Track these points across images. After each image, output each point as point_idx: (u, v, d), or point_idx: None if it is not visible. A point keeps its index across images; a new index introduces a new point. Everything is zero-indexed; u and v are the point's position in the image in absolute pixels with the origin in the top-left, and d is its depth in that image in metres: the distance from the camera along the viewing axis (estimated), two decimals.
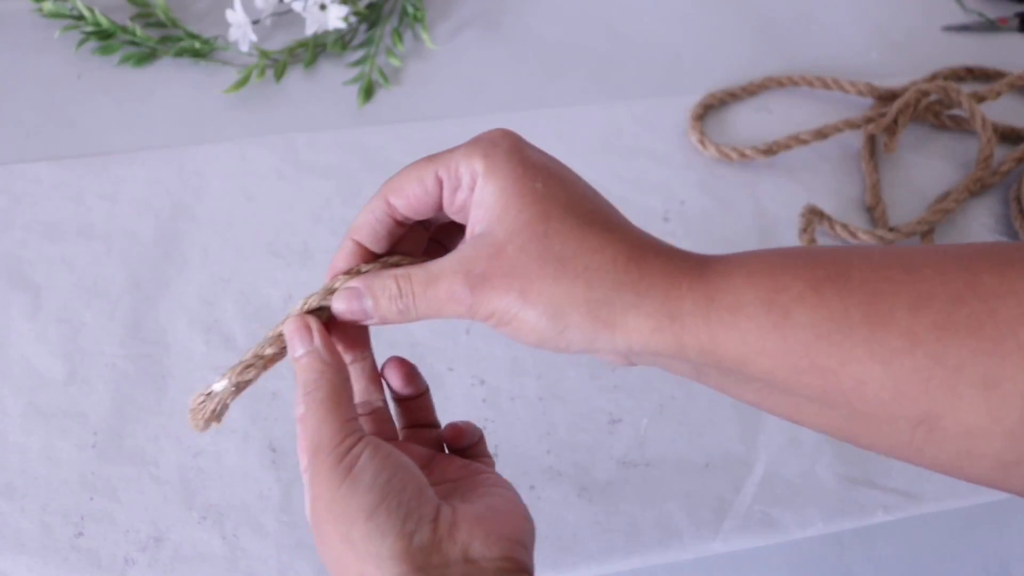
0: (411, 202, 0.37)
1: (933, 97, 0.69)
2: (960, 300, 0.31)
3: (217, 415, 0.38)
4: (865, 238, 0.62)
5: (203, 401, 0.38)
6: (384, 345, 0.43)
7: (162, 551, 0.50)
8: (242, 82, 0.70)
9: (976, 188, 0.66)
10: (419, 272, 0.36)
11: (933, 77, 0.73)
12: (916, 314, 0.31)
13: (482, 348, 0.58)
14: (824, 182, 0.67)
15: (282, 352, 0.39)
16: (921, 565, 0.51)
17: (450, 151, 0.37)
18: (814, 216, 0.62)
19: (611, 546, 0.51)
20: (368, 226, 0.38)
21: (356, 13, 0.75)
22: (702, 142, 0.68)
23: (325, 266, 0.61)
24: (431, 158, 0.37)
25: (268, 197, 0.64)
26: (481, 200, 0.35)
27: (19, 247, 0.61)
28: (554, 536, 0.51)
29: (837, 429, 0.35)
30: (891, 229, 0.63)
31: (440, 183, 0.36)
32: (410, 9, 0.76)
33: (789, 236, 0.63)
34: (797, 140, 0.67)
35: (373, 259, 0.39)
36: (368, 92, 0.71)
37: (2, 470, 0.52)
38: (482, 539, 0.34)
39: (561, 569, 0.50)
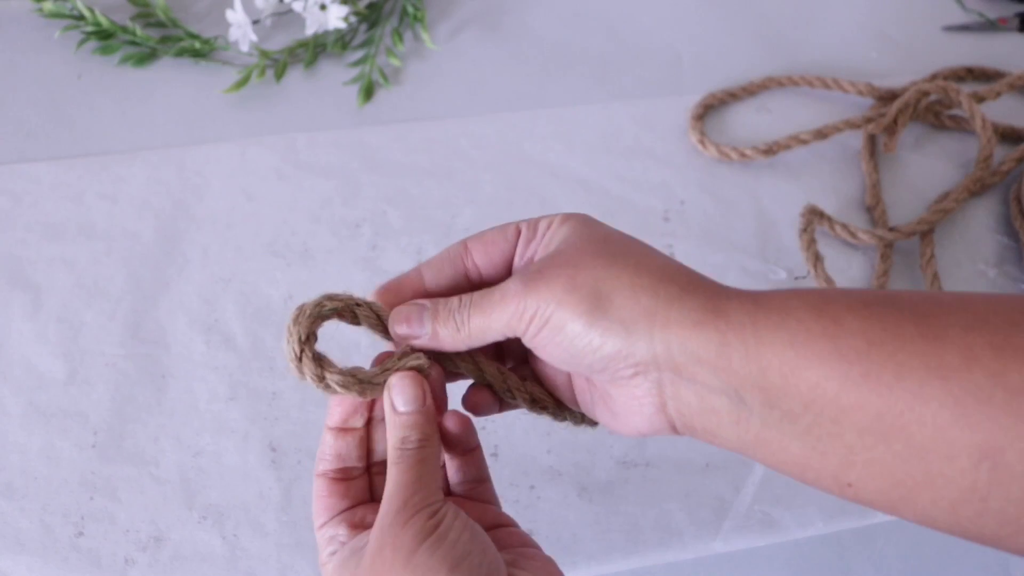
0: (487, 246, 0.38)
1: (933, 97, 0.69)
2: (1017, 325, 0.29)
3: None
4: (865, 238, 0.62)
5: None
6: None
7: (162, 551, 0.50)
8: (242, 82, 0.70)
9: (976, 188, 0.66)
10: (480, 292, 0.37)
11: (933, 77, 0.73)
12: (971, 333, 0.29)
13: None
14: (824, 182, 0.67)
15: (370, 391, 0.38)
16: (921, 565, 0.51)
17: (531, 219, 0.39)
18: (814, 216, 0.62)
19: (611, 546, 0.51)
20: (438, 263, 0.39)
21: (356, 13, 0.75)
22: (702, 142, 0.68)
23: (325, 266, 0.61)
24: (509, 223, 0.39)
25: (268, 197, 0.64)
26: (550, 241, 0.37)
27: (19, 247, 0.61)
28: (554, 536, 0.51)
29: (895, 484, 0.31)
30: (891, 229, 0.63)
31: (519, 233, 0.38)
32: (410, 9, 0.76)
33: (789, 236, 0.63)
34: (797, 140, 0.67)
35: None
36: (368, 92, 0.71)
37: (2, 470, 0.52)
38: None
39: (561, 569, 0.50)
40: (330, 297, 0.38)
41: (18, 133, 0.67)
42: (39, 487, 0.52)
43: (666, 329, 0.33)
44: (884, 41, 0.77)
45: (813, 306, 0.32)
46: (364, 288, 0.60)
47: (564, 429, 0.54)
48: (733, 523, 0.52)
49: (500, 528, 0.39)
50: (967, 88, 0.72)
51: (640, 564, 0.51)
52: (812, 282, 0.60)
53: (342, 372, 0.37)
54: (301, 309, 0.37)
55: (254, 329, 0.58)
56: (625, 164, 0.67)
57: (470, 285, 0.39)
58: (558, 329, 0.34)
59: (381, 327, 0.38)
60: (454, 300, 0.37)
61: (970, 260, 0.64)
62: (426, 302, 0.38)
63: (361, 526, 0.38)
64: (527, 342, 0.36)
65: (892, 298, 0.32)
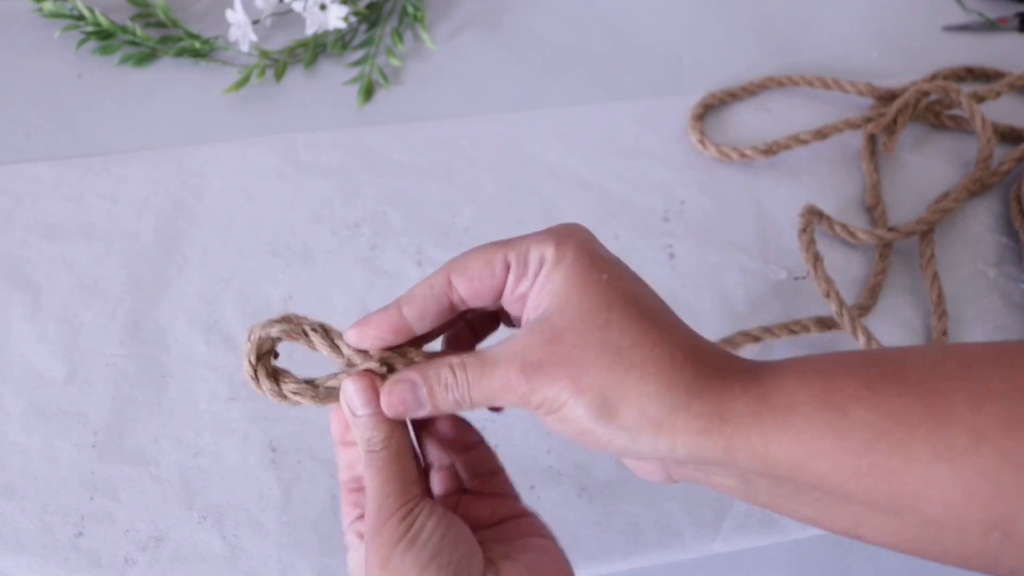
0: (475, 285, 0.36)
1: (933, 97, 0.69)
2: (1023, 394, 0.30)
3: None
4: (864, 238, 0.62)
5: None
6: None
7: (162, 551, 0.50)
8: (242, 82, 0.70)
9: (976, 188, 0.66)
10: (473, 360, 0.35)
11: (933, 77, 0.73)
12: (978, 410, 0.30)
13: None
14: (824, 182, 0.67)
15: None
16: (921, 565, 0.51)
17: (521, 238, 0.36)
18: (813, 216, 0.62)
19: (611, 546, 0.51)
20: (421, 300, 0.36)
21: (356, 13, 0.75)
22: (702, 142, 0.68)
23: (325, 266, 0.61)
24: (501, 243, 0.36)
25: (268, 197, 0.64)
26: (543, 287, 0.35)
27: (19, 247, 0.61)
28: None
29: (904, 541, 0.33)
30: (891, 229, 0.63)
31: (507, 268, 0.36)
32: (410, 9, 0.76)
33: (789, 236, 0.63)
34: (797, 140, 0.67)
35: (405, 339, 0.37)
36: (368, 92, 0.71)
37: (2, 470, 0.52)
38: None
39: None
40: (283, 319, 0.38)
41: (18, 133, 0.67)
42: (39, 487, 0.52)
43: (672, 437, 0.33)
44: (884, 41, 0.77)
45: (818, 397, 0.32)
46: (365, 288, 0.60)
47: None
48: (733, 523, 0.52)
49: (512, 520, 0.39)
50: (967, 88, 0.72)
51: (640, 564, 0.51)
52: (812, 283, 0.60)
53: (298, 382, 0.38)
54: (250, 331, 0.38)
55: None
56: (625, 164, 0.67)
57: (455, 316, 0.38)
58: (565, 420, 0.34)
59: (336, 351, 0.38)
60: (446, 374, 0.36)
61: (970, 260, 0.64)
62: (417, 379, 0.36)
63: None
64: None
65: (898, 373, 0.31)
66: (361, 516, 0.39)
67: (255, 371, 0.38)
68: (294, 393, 0.38)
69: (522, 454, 0.54)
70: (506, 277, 0.36)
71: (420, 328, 0.37)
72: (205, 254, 0.61)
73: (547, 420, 0.35)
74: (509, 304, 0.37)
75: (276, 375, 0.38)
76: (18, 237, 0.62)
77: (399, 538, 0.34)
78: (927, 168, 0.69)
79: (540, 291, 0.35)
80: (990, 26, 0.78)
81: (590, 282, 0.34)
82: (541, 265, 0.35)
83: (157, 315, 0.58)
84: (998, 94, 0.69)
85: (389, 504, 0.35)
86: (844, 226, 0.62)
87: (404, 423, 0.38)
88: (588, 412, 0.33)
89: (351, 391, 0.37)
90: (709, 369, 0.33)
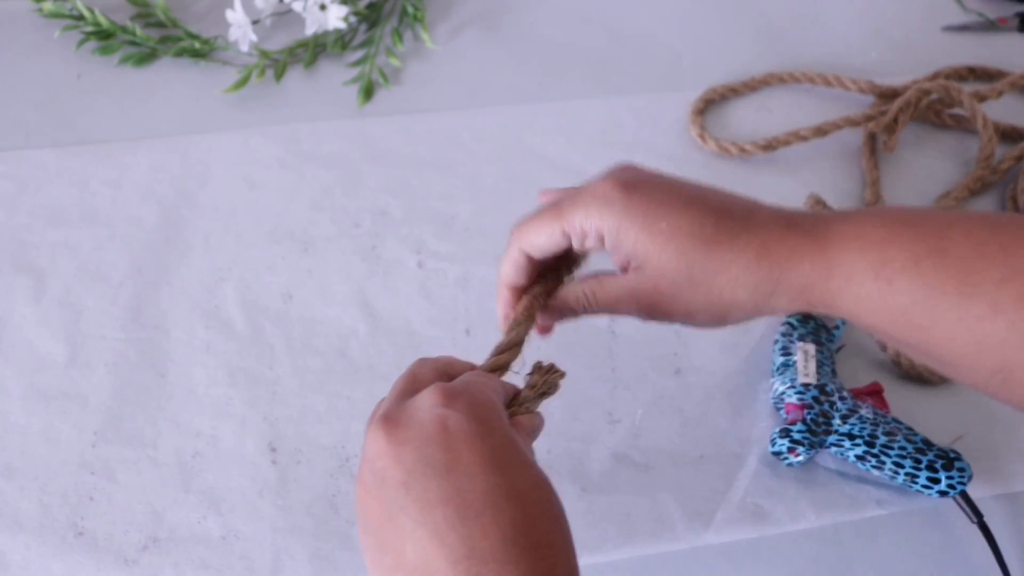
0: (544, 251, 0.44)
1: (934, 96, 0.69)
2: None
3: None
4: None
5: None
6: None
7: (159, 532, 0.50)
8: (242, 82, 0.70)
9: (977, 187, 0.66)
10: (597, 287, 0.44)
11: (934, 76, 0.73)
12: (1002, 287, 0.37)
13: (482, 345, 0.58)
14: (823, 179, 0.67)
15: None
16: (922, 565, 0.51)
17: (568, 209, 0.42)
18: (818, 206, 0.62)
19: (604, 536, 0.51)
20: (513, 274, 0.45)
21: (356, 13, 0.75)
22: (702, 137, 0.68)
23: (325, 254, 0.62)
24: (552, 214, 0.43)
25: (270, 186, 0.65)
26: (618, 248, 0.42)
27: (24, 232, 0.62)
28: None
29: (930, 364, 0.42)
30: None
31: (568, 237, 0.43)
32: (410, 9, 0.76)
33: None
34: (797, 136, 0.67)
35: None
36: (368, 92, 0.71)
37: (2, 451, 0.53)
38: None
39: None
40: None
41: (17, 133, 0.68)
42: (38, 468, 0.52)
43: (772, 310, 0.42)
44: (884, 41, 0.77)
45: (872, 270, 0.39)
46: (364, 277, 0.60)
47: (558, 418, 0.55)
48: (725, 515, 0.52)
49: None
50: (968, 88, 0.72)
51: (632, 554, 0.51)
52: None
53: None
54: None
55: (254, 316, 0.58)
56: (625, 158, 0.67)
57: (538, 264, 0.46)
58: (690, 325, 0.44)
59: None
60: (579, 294, 0.45)
61: None
62: (562, 302, 0.46)
63: None
64: None
65: (943, 251, 0.38)
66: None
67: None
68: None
69: None
70: (568, 243, 0.43)
71: (527, 282, 0.45)
72: (207, 241, 0.62)
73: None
74: (581, 251, 0.45)
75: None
76: (23, 222, 0.62)
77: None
78: (927, 166, 0.69)
79: (616, 252, 0.42)
80: (990, 26, 0.78)
81: (656, 236, 0.41)
82: (599, 234, 0.42)
83: (158, 300, 0.59)
84: (1000, 93, 0.69)
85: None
86: None
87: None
88: (707, 322, 0.43)
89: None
90: (781, 257, 0.40)
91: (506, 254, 0.45)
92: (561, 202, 0.43)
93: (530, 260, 0.44)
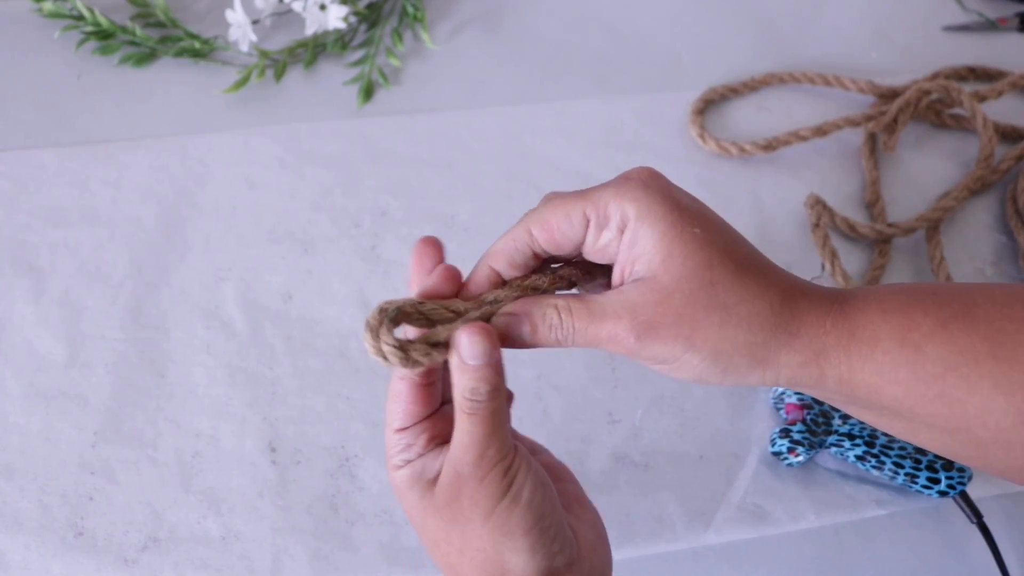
0: (555, 237, 0.37)
1: (934, 96, 0.69)
2: None
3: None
4: (865, 232, 0.62)
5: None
6: None
7: (159, 533, 0.50)
8: (242, 82, 0.70)
9: (977, 187, 0.66)
10: (580, 307, 0.37)
11: (934, 76, 0.73)
12: None
13: None
14: (823, 179, 0.67)
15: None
16: (921, 564, 0.51)
17: (598, 189, 0.37)
18: (821, 209, 0.62)
19: None
20: (506, 254, 0.38)
21: (356, 13, 0.75)
22: (702, 136, 0.68)
23: (325, 254, 0.62)
24: (578, 194, 0.37)
25: (270, 185, 0.65)
26: (636, 242, 0.36)
27: (23, 232, 0.62)
28: None
29: (953, 453, 0.38)
30: (890, 225, 0.63)
31: (587, 221, 0.37)
32: (410, 9, 0.76)
33: (788, 231, 0.64)
34: (797, 136, 0.67)
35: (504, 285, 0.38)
36: (368, 92, 0.71)
37: (2, 450, 0.53)
38: (599, 569, 0.38)
39: None
40: (395, 302, 0.36)
41: (17, 133, 0.68)
42: (38, 468, 0.52)
43: (777, 371, 0.37)
44: (884, 41, 0.77)
45: (897, 335, 0.36)
46: (364, 277, 0.61)
47: (559, 419, 0.55)
48: (725, 515, 0.52)
49: (558, 483, 0.40)
50: (968, 88, 0.72)
51: (632, 554, 0.51)
52: (828, 280, 0.60)
53: (420, 342, 0.36)
54: (379, 309, 0.36)
55: (254, 316, 0.58)
56: (625, 158, 0.68)
57: (539, 262, 0.39)
58: (678, 370, 0.37)
59: (447, 310, 0.37)
60: (552, 314, 0.37)
61: (969, 258, 0.64)
62: (522, 314, 0.37)
63: (436, 439, 0.38)
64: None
65: (969, 314, 0.36)
66: (431, 415, 0.38)
67: (377, 337, 0.35)
68: (422, 354, 0.36)
69: None
70: (585, 230, 0.37)
71: (509, 277, 0.39)
72: (207, 241, 0.62)
73: (656, 368, 0.37)
74: (591, 254, 0.38)
75: (403, 346, 0.36)
76: (22, 222, 0.62)
77: (502, 494, 0.35)
78: (927, 166, 0.69)
79: (632, 247, 0.36)
80: (990, 26, 0.78)
81: (687, 238, 0.36)
82: (624, 221, 0.36)
83: (158, 300, 0.59)
84: (1000, 93, 0.69)
85: (490, 456, 0.36)
86: (845, 219, 0.63)
87: (504, 377, 0.37)
88: (704, 364, 0.36)
89: (468, 342, 0.36)
90: (803, 310, 0.37)
91: (509, 231, 0.39)
92: (588, 189, 0.38)
93: (532, 245, 0.38)
